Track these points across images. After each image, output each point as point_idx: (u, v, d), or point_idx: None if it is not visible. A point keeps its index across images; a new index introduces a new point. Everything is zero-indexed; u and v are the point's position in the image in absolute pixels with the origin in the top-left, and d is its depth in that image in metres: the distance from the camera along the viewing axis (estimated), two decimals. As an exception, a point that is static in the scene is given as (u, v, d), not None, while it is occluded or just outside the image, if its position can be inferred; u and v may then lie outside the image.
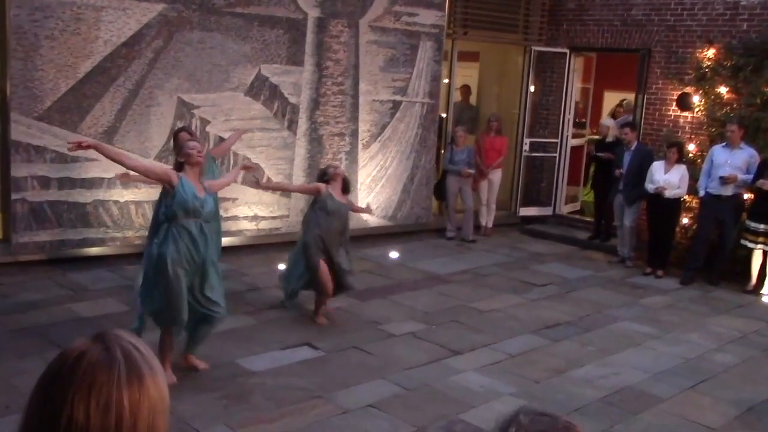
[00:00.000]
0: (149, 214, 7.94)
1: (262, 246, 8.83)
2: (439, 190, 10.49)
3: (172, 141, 6.58)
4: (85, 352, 1.13)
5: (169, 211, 5.07)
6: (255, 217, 8.72)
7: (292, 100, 8.81)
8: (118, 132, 7.68)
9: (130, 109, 7.74)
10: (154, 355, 1.20)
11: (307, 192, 7.28)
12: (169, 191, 5.12)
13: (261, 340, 6.10)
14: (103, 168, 7.61)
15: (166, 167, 5.46)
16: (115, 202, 7.77)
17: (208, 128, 8.24)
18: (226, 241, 8.55)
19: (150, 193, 7.92)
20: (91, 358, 1.12)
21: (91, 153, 7.51)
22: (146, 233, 7.89)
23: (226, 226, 8.50)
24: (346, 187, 6.69)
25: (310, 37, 8.83)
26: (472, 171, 10.16)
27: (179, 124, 8.03)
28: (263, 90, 8.57)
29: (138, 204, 7.88)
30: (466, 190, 10.24)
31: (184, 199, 5.02)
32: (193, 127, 8.13)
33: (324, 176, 6.63)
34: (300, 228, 6.99)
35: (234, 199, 8.52)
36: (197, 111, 8.15)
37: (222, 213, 8.42)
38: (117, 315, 6.37)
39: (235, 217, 8.57)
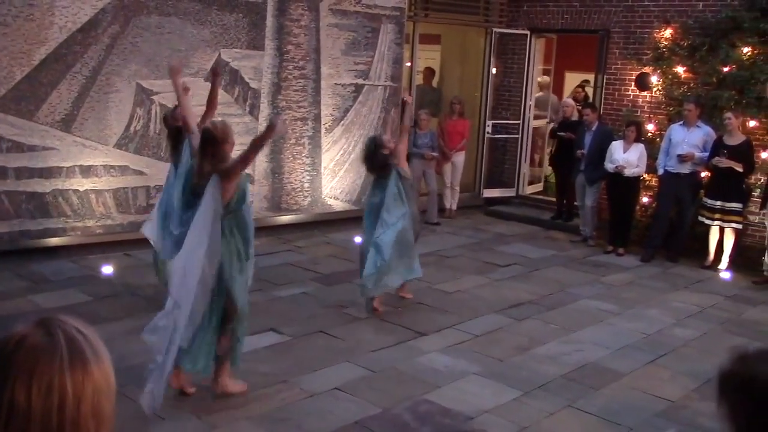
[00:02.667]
0: (110, 202, 7.87)
1: (226, 232, 8.77)
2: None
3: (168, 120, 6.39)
4: (26, 337, 1.13)
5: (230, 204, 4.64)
6: (218, 204, 8.66)
7: (253, 84, 8.74)
8: (75, 120, 7.56)
9: (87, 96, 7.61)
10: (100, 340, 1.20)
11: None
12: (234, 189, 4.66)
13: (226, 326, 6.08)
14: (61, 157, 7.51)
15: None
16: (75, 191, 7.66)
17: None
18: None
19: (110, 181, 7.83)
20: (33, 343, 1.12)
21: (48, 142, 7.42)
22: (108, 222, 7.83)
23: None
24: None
25: (270, 21, 8.76)
26: (435, 154, 10.20)
27: (138, 111, 7.95)
28: (223, 75, 8.48)
29: (98, 193, 7.78)
30: (429, 173, 10.29)
31: (243, 188, 4.68)
32: (153, 114, 8.05)
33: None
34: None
35: (196, 186, 8.45)
36: (156, 97, 8.04)
37: (184, 200, 8.37)
38: (79, 305, 6.30)
39: (198, 204, 8.50)
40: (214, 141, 4.64)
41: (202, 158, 4.70)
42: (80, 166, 7.64)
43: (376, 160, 6.51)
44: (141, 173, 8.04)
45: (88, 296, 6.61)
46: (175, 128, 6.08)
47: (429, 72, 12.11)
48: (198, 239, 4.52)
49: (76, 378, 1.11)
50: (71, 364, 1.11)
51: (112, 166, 7.84)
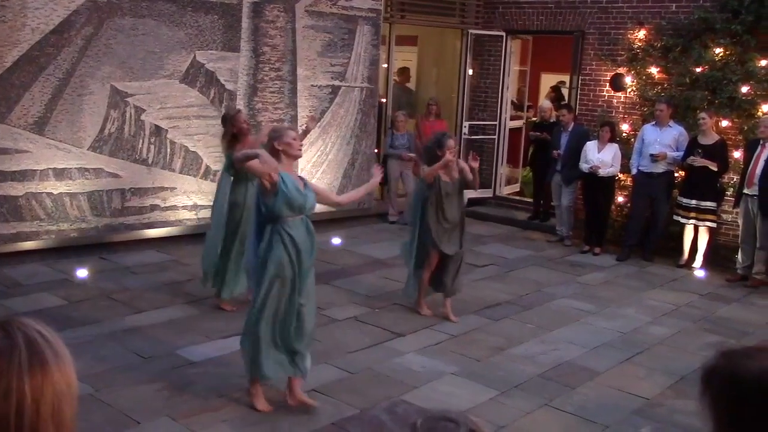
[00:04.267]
0: (84, 205, 7.80)
1: (202, 235, 8.70)
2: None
3: (227, 123, 6.44)
4: None
5: (273, 210, 4.53)
6: (194, 206, 8.61)
7: (229, 86, 8.71)
8: (49, 122, 7.48)
9: (61, 98, 7.54)
10: (61, 343, 1.19)
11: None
12: (269, 189, 4.49)
13: (202, 329, 6.05)
14: (35, 160, 7.42)
15: (266, 161, 4.50)
16: (49, 194, 7.58)
17: (143, 117, 8.09)
18: (164, 231, 8.47)
19: (84, 184, 7.76)
20: None
21: (22, 145, 7.33)
22: (82, 225, 7.76)
23: (164, 216, 8.40)
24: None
25: (245, 22, 8.73)
26: (412, 155, 10.21)
27: (113, 113, 7.88)
28: (199, 77, 8.45)
29: (72, 196, 7.70)
30: (407, 175, 10.30)
31: (288, 195, 4.48)
32: (128, 116, 7.99)
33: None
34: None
35: (172, 189, 8.40)
36: (131, 99, 7.99)
37: (160, 203, 8.33)
38: (52, 309, 6.24)
39: (174, 207, 8.44)
40: None
41: None
42: (54, 168, 7.56)
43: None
44: (116, 176, 7.97)
45: (63, 300, 6.54)
46: (233, 134, 6.32)
47: (403, 72, 12.12)
48: None
49: (35, 381, 1.09)
50: (30, 367, 1.10)
51: (86, 169, 7.77)
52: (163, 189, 8.34)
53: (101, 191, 7.90)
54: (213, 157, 8.67)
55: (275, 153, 4.57)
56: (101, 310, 6.34)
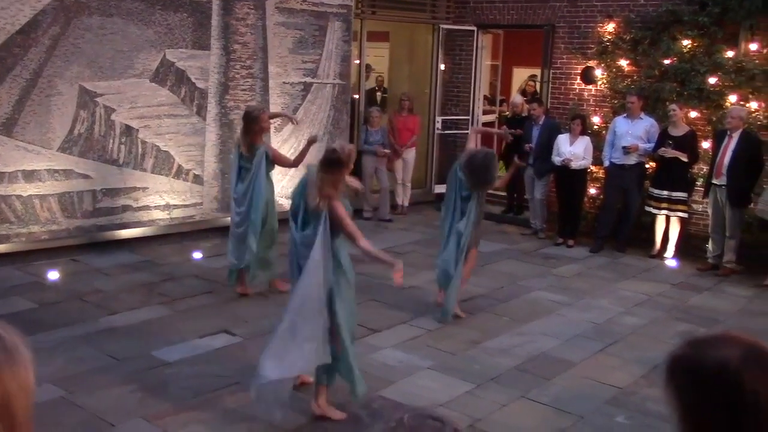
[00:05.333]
0: (55, 207, 7.70)
1: (176, 235, 8.68)
2: (355, 171, 10.49)
3: (253, 123, 6.70)
4: None
5: None
6: (167, 206, 8.55)
7: (200, 85, 8.64)
8: (17, 124, 7.38)
9: (28, 99, 7.44)
10: (20, 343, 1.17)
11: None
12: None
13: (177, 330, 6.01)
14: (3, 162, 7.32)
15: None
16: (18, 196, 7.47)
17: (113, 116, 8.00)
18: (137, 232, 8.39)
19: (55, 186, 7.67)
20: None
21: (-11, 146, 7.22)
22: (53, 227, 7.67)
23: (137, 216, 8.33)
24: None
25: (215, 20, 8.67)
26: (387, 151, 10.22)
27: (82, 114, 7.80)
28: (169, 75, 8.38)
29: (42, 198, 7.61)
30: (381, 170, 10.31)
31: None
32: (98, 116, 7.91)
33: None
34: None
35: (144, 189, 8.33)
36: (101, 99, 7.90)
37: (132, 203, 8.26)
38: (23, 313, 6.17)
39: (146, 207, 8.37)
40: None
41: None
42: (23, 170, 7.46)
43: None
44: (86, 176, 7.88)
45: (34, 303, 6.46)
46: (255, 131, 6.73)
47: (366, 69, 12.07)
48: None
49: None
50: None
51: (56, 171, 7.67)
52: (135, 189, 8.26)
53: (72, 192, 7.81)
54: (186, 156, 8.62)
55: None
56: (74, 313, 6.28)
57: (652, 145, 8.68)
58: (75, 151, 7.79)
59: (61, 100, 7.65)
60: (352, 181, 5.24)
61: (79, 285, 7.01)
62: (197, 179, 8.74)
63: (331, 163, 4.61)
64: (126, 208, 8.21)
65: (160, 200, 8.49)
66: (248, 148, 6.71)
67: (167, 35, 8.29)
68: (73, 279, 7.18)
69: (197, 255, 8.14)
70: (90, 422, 4.46)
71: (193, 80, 8.58)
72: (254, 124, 6.68)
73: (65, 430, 4.36)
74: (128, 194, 8.22)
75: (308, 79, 9.64)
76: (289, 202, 9.12)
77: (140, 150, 8.24)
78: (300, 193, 4.79)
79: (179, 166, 8.57)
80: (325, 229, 4.52)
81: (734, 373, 1.33)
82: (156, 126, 8.31)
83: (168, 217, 8.58)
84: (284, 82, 9.41)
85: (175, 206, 8.62)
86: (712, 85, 8.76)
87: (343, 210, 4.54)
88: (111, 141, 8.04)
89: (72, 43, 7.63)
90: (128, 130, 8.13)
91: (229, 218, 9.19)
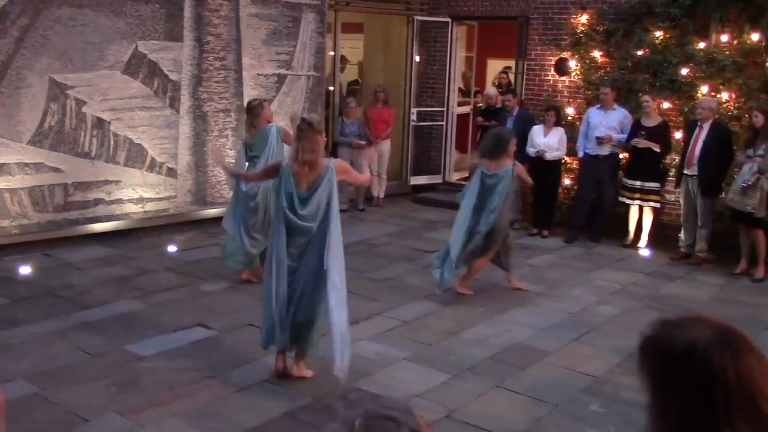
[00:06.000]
0: (26, 201, 7.60)
1: (150, 229, 8.60)
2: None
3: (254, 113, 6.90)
4: None
5: None
6: (140, 199, 8.47)
7: (173, 77, 8.56)
8: (-15, 117, 7.27)
9: (-3, 91, 7.33)
10: None
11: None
12: None
13: (151, 324, 5.96)
14: (-29, 155, 7.21)
15: None
16: (-12, 190, 7.37)
17: (84, 109, 7.90)
18: (110, 225, 8.31)
19: (25, 179, 7.57)
20: None
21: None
22: (24, 221, 7.56)
23: (109, 210, 8.24)
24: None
25: (188, 11, 8.58)
26: (362, 142, 10.20)
27: (53, 106, 7.69)
28: (141, 67, 8.28)
29: (13, 192, 7.50)
30: (357, 162, 10.28)
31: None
32: (68, 109, 7.80)
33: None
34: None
35: (117, 182, 8.24)
36: (71, 91, 7.80)
37: (104, 197, 8.17)
38: (-5, 308, 6.09)
39: (119, 201, 8.29)
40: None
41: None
42: (-8, 164, 7.35)
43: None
44: (58, 170, 7.78)
45: (5, 299, 6.37)
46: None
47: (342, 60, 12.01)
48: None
49: None
50: None
51: (26, 164, 7.56)
52: (107, 182, 8.17)
53: (43, 186, 7.70)
54: (158, 149, 8.53)
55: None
56: (46, 308, 6.20)
57: (625, 135, 8.75)
58: (46, 144, 7.68)
59: (31, 93, 7.53)
60: (358, 176, 5.84)
61: (52, 280, 6.92)
62: (171, 172, 8.67)
63: (304, 129, 4.81)
64: (98, 202, 8.12)
65: (134, 193, 8.40)
66: (252, 136, 6.88)
67: (139, 27, 8.20)
68: (46, 274, 7.09)
69: (171, 248, 8.08)
70: (64, 418, 4.41)
71: (166, 72, 8.49)
72: (256, 117, 6.85)
73: (39, 427, 4.31)
74: (100, 188, 8.13)
75: (282, 71, 9.59)
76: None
77: (112, 143, 8.15)
78: (286, 179, 4.84)
79: (152, 159, 8.49)
80: (333, 199, 4.84)
81: (702, 352, 1.34)
82: (128, 118, 8.22)
83: (141, 210, 8.50)
84: (258, 74, 9.35)
85: (149, 199, 8.54)
86: (684, 77, 8.85)
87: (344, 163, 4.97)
88: (82, 134, 7.94)
89: (41, 35, 7.52)
90: (100, 123, 8.04)
91: (204, 211, 9.14)
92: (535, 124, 9.30)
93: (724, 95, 8.64)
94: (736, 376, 1.32)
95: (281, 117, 9.61)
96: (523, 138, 9.25)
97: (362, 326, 6.14)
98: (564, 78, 10.10)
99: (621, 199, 8.89)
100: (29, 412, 4.44)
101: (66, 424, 4.35)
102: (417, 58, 11.39)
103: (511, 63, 11.52)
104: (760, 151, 7.60)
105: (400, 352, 5.64)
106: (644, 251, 8.75)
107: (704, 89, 8.72)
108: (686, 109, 8.90)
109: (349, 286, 6.98)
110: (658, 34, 9.03)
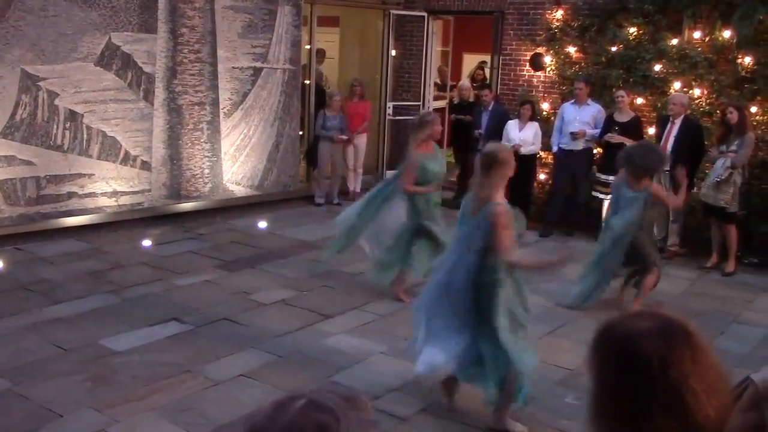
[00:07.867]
0: (10, 197, 7.50)
1: (124, 222, 8.52)
2: (311, 157, 10.49)
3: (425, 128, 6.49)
4: None
5: None
6: (114, 193, 8.38)
7: (147, 69, 8.47)
8: (-45, 108, 7.15)
9: (-33, 83, 7.21)
10: None
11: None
12: None
13: (125, 318, 5.92)
14: (-60, 148, 7.09)
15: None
16: (-42, 183, 7.25)
17: (56, 101, 7.80)
18: (83, 219, 8.22)
19: (7, 171, 7.46)
20: None
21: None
22: (3, 215, 7.46)
23: (83, 203, 8.16)
24: None
25: (162, 2, 8.49)
26: (344, 137, 10.18)
27: (24, 98, 7.58)
28: (115, 59, 8.19)
29: (-17, 185, 7.40)
30: (338, 158, 10.28)
31: None
32: (40, 101, 7.70)
33: None
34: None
35: (90, 175, 8.15)
36: (43, 83, 7.69)
37: (77, 190, 8.08)
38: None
39: (92, 194, 8.20)
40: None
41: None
42: (-38, 157, 7.24)
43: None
44: (29, 163, 7.68)
45: (-21, 295, 6.30)
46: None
47: (320, 53, 11.99)
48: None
49: None
50: None
51: (-3, 157, 7.46)
52: (80, 176, 8.08)
53: (14, 179, 7.60)
54: (134, 142, 8.45)
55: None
56: (19, 302, 6.13)
57: (599, 130, 8.82)
58: (17, 136, 7.57)
59: (2, 84, 7.42)
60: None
61: (24, 274, 6.84)
62: (145, 165, 8.59)
63: (488, 164, 4.59)
64: (71, 195, 8.03)
65: (107, 187, 8.32)
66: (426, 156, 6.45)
67: (112, 18, 8.10)
68: (18, 268, 7.00)
69: (146, 242, 8.02)
70: (37, 413, 4.37)
71: (140, 64, 8.40)
72: (425, 131, 6.38)
73: (12, 422, 4.27)
74: (73, 181, 8.04)
75: (258, 64, 9.54)
76: (238, 188, 9.08)
77: (85, 136, 8.06)
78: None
79: (126, 152, 8.40)
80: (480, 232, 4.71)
81: (633, 340, 1.39)
82: (102, 111, 8.13)
83: (115, 204, 8.42)
84: (233, 67, 9.29)
85: (123, 193, 8.46)
86: (657, 72, 8.94)
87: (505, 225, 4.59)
88: (55, 126, 7.84)
89: (12, 26, 7.40)
90: (73, 116, 7.94)
91: (179, 205, 9.07)
92: (511, 119, 9.34)
93: (696, 91, 8.74)
94: (663, 366, 1.36)
95: (257, 111, 9.58)
96: (498, 133, 9.33)
97: (338, 320, 6.15)
98: (539, 73, 10.16)
99: (594, 193, 8.96)
100: (3, 407, 4.40)
101: (40, 419, 4.31)
102: (393, 52, 11.38)
103: (487, 57, 11.57)
104: (734, 147, 7.71)
105: (376, 345, 5.65)
106: (617, 245, 8.81)
107: (677, 85, 8.82)
108: (659, 105, 8.99)
109: (325, 280, 7.04)
110: (632, 30, 9.11)
